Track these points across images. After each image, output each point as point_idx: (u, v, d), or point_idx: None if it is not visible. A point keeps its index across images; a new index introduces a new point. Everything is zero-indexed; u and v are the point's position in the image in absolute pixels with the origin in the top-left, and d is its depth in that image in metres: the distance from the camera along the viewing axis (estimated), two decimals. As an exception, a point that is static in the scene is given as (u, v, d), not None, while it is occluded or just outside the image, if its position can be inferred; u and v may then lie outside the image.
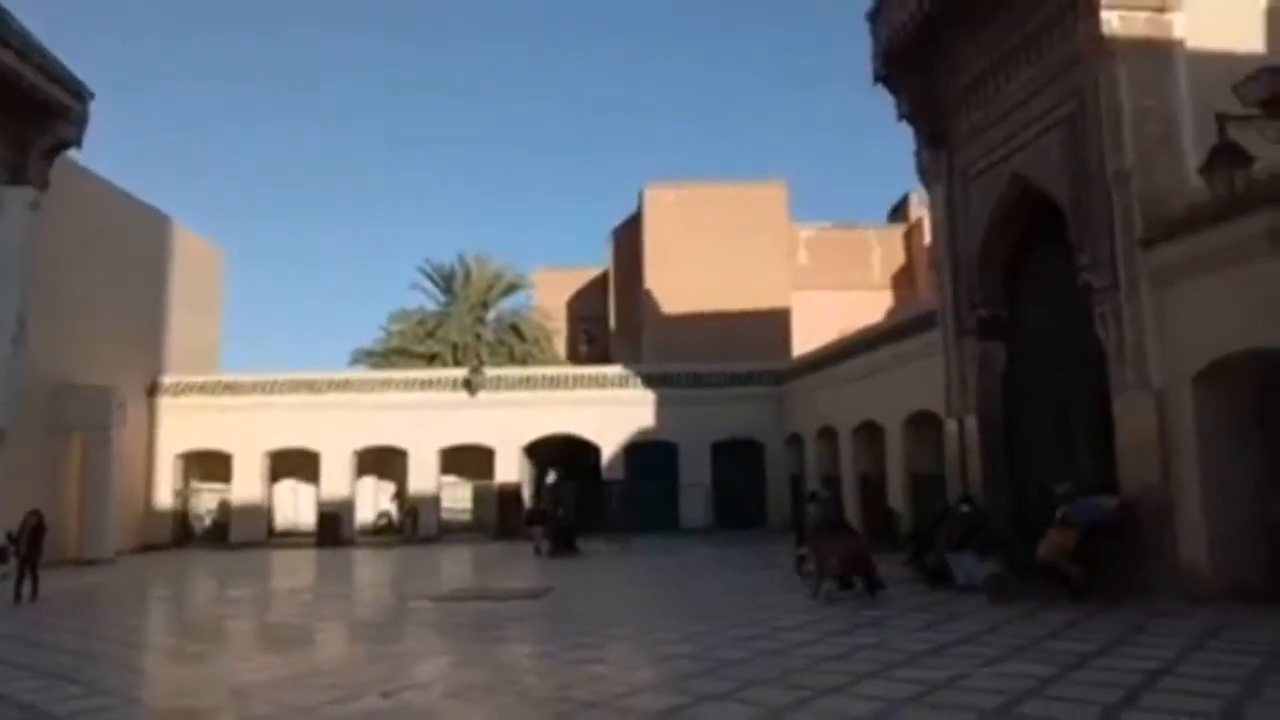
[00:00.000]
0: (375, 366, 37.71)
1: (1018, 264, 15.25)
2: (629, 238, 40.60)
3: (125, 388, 25.24)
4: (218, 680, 8.67)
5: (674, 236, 37.15)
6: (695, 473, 28.20)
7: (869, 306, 35.41)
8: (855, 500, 21.32)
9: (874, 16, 16.77)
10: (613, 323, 42.56)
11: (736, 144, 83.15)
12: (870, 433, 21.16)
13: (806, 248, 39.54)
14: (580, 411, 28.54)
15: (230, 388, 28.99)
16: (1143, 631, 9.08)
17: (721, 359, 30.15)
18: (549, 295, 45.24)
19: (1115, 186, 11.96)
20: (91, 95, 21.60)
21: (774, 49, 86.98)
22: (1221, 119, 9.46)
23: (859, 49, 17.42)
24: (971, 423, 15.60)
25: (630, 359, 34.89)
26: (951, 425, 16.12)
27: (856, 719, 6.19)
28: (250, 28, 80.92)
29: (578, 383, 29.77)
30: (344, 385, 29.50)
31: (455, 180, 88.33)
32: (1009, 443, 15.21)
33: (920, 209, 38.79)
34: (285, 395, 28.63)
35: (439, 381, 29.70)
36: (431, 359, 38.32)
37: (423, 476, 28.43)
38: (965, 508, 13.65)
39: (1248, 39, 11.61)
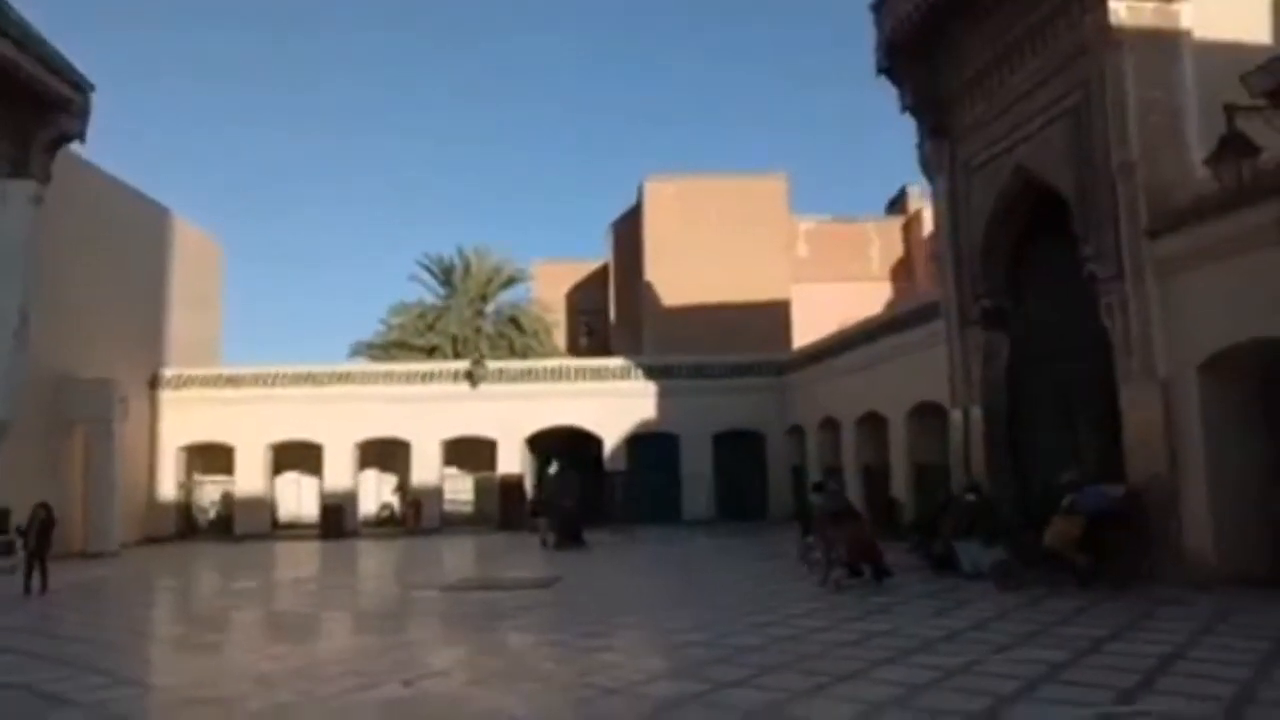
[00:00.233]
0: (375, 359, 37.71)
1: (1021, 255, 15.32)
2: (629, 230, 40.62)
3: (127, 381, 25.24)
4: (238, 669, 8.76)
5: (674, 229, 37.18)
6: (697, 464, 28.29)
7: (868, 298, 35.50)
8: (859, 491, 21.39)
9: (878, 7, 16.78)
10: (613, 315, 42.61)
11: (735, 137, 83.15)
12: (873, 424, 21.25)
13: (806, 240, 39.59)
14: (582, 403, 28.60)
15: (232, 380, 28.99)
16: (1151, 618, 9.19)
17: (722, 351, 30.22)
18: (548, 288, 45.25)
19: (1120, 177, 12.03)
20: (93, 87, 21.51)
21: (774, 43, 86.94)
22: (1229, 109, 9.55)
23: (859, 42, 17.47)
24: (975, 413, 15.69)
25: (630, 351, 34.93)
26: (955, 415, 16.21)
27: (877, 703, 6.28)
28: (248, 24, 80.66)
29: (579, 375, 29.82)
30: (346, 378, 29.51)
31: (454, 175, 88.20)
32: (1012, 433, 15.31)
33: (918, 201, 38.93)
34: (287, 388, 28.64)
35: (441, 374, 29.72)
36: (431, 352, 38.34)
37: (425, 468, 28.48)
38: (972, 496, 13.75)
39: (1254, 30, 11.70)
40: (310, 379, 28.96)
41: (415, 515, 28.11)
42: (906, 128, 17.35)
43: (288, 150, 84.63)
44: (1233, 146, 9.41)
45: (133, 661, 9.65)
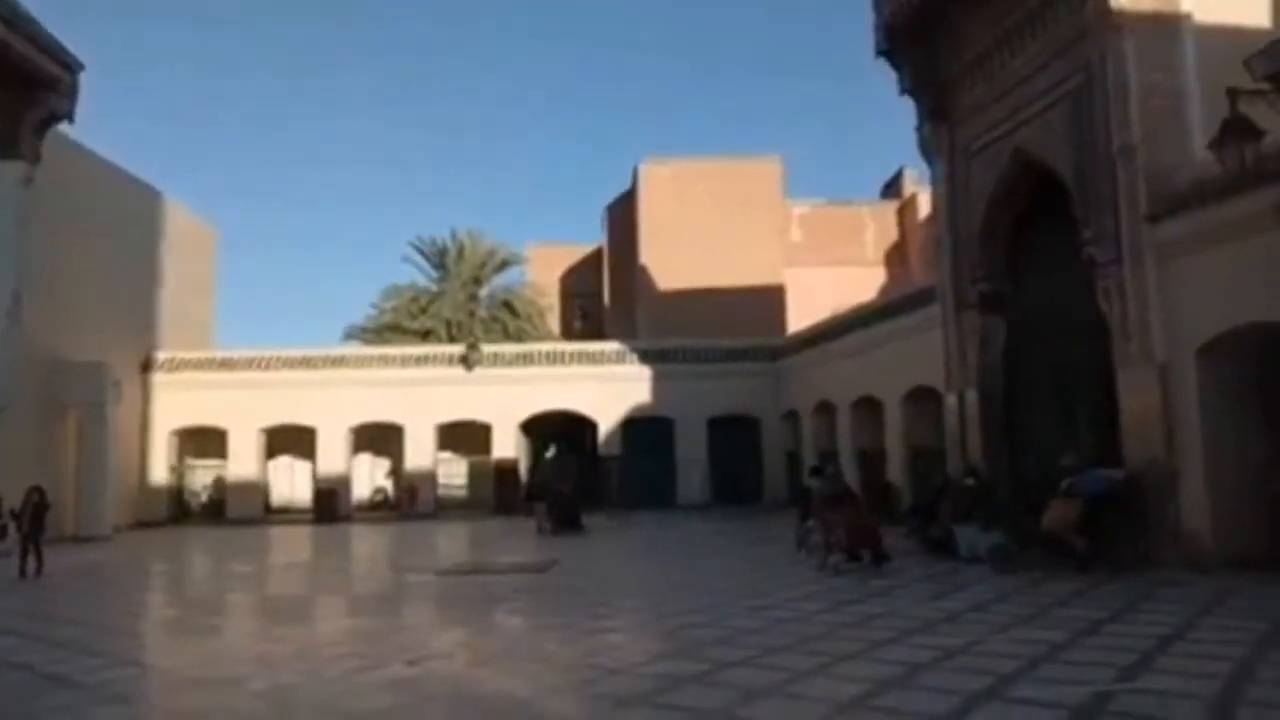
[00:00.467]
0: (368, 343, 37.58)
1: (1019, 238, 15.32)
2: (623, 214, 40.50)
3: (119, 364, 25.11)
4: (238, 651, 8.76)
5: (668, 212, 37.08)
6: (692, 448, 28.31)
7: (862, 283, 35.55)
8: (854, 474, 21.44)
9: (877, -10, 16.71)
10: (607, 299, 42.53)
11: (730, 121, 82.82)
12: (869, 408, 21.29)
13: (800, 224, 39.54)
14: (577, 387, 28.57)
15: (225, 364, 28.85)
16: (1150, 600, 9.25)
17: (715, 335, 30.21)
18: (542, 271, 45.12)
19: (1121, 161, 12.03)
20: (82, 66, 21.30)
21: (768, 27, 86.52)
22: (1233, 93, 9.52)
23: (856, 25, 17.39)
24: (971, 396, 15.73)
25: (624, 335, 34.89)
26: (951, 399, 16.26)
27: (881, 681, 6.30)
28: (243, 11, 79.86)
29: (574, 359, 29.77)
30: (340, 361, 29.40)
31: (448, 160, 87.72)
32: (1008, 416, 15.36)
33: (914, 185, 38.90)
34: (281, 371, 28.52)
35: (435, 358, 29.64)
36: (425, 335, 38.25)
37: (419, 453, 28.44)
38: (970, 480, 13.79)
39: (1255, 13, 11.68)
40: (304, 362, 28.84)
41: (410, 499, 28.09)
42: (903, 110, 17.34)
43: (281, 136, 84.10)
44: (1235, 130, 9.39)
45: (131, 644, 9.63)
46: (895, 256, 39.76)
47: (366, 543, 21.17)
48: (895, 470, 19.80)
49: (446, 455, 29.88)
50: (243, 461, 27.97)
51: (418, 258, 42.87)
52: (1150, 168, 11.71)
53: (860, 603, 9.76)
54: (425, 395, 28.08)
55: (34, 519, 15.21)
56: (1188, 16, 11.85)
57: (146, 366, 27.87)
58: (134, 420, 26.73)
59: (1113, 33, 12.06)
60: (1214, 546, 10.65)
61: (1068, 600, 9.38)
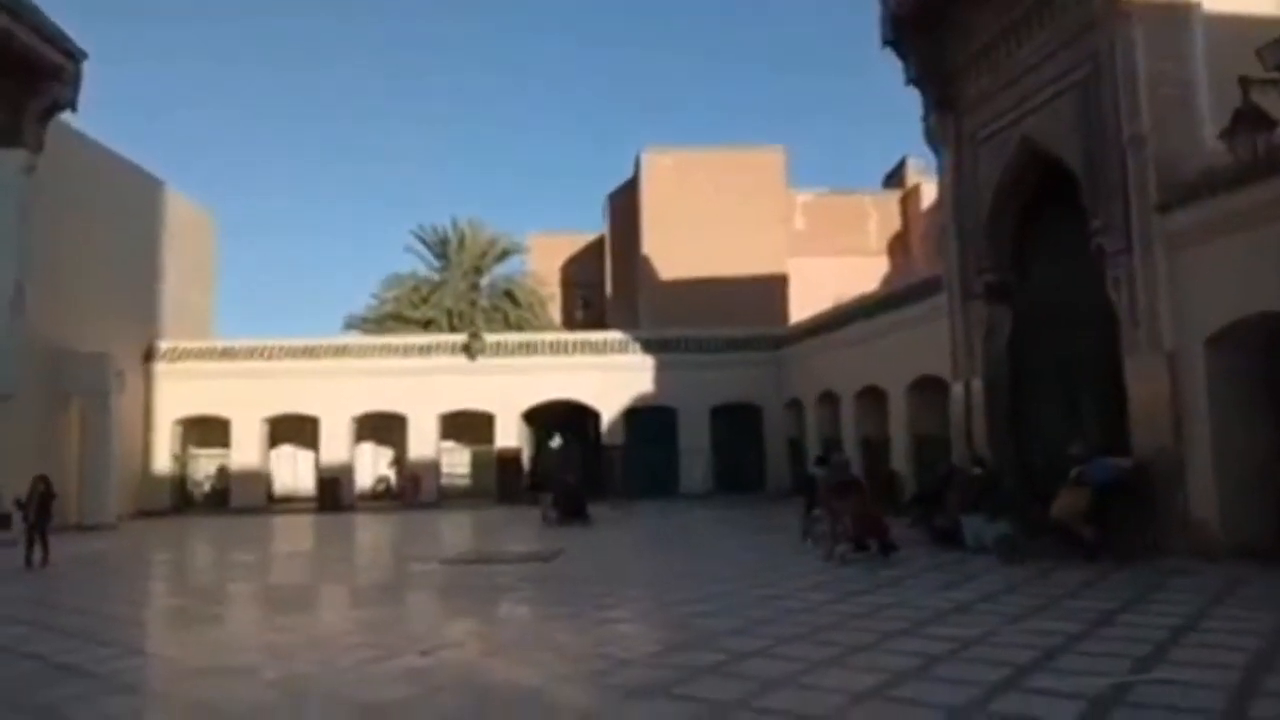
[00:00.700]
0: (369, 333, 37.55)
1: (1025, 228, 15.27)
2: (626, 203, 40.40)
3: (122, 354, 25.08)
4: (248, 640, 8.77)
5: (671, 201, 36.99)
6: (694, 438, 28.32)
7: (865, 272, 35.52)
8: (858, 463, 21.45)
9: (884, -22, 16.61)
10: (609, 288, 42.47)
11: (733, 110, 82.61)
12: (873, 397, 21.28)
13: (803, 213, 39.46)
14: (580, 377, 28.54)
15: (227, 353, 28.83)
16: (1160, 589, 9.25)
17: (718, 324, 30.17)
18: (543, 261, 45.05)
19: (1130, 150, 11.98)
20: (85, 55, 21.22)
21: (773, 16, 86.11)
22: (1244, 83, 9.49)
23: (856, 16, 17.31)
24: (977, 386, 15.71)
25: (627, 324, 34.86)
26: (957, 389, 16.24)
27: (897, 672, 6.30)
28: (245, 3, 79.44)
29: (577, 348, 29.74)
30: (343, 351, 29.38)
31: (450, 149, 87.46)
32: (1014, 406, 15.35)
33: (917, 175, 38.82)
34: (283, 361, 28.49)
35: (438, 347, 29.61)
36: (427, 325, 38.22)
37: (422, 442, 28.43)
38: (977, 470, 13.78)
39: (1264, 2, 11.58)
40: (307, 352, 28.83)
41: (413, 489, 28.11)
42: (909, 99, 17.26)
43: (282, 126, 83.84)
44: (1247, 120, 9.38)
45: (140, 633, 9.65)
46: (898, 246, 39.71)
47: (370, 532, 21.18)
48: (899, 458, 19.80)
49: (449, 444, 29.86)
50: (246, 451, 27.96)
51: (419, 247, 42.87)
52: (1160, 157, 11.65)
53: (870, 593, 9.76)
54: (428, 385, 28.07)
55: (40, 508, 15.22)
56: (1197, 5, 11.78)
57: (149, 356, 27.84)
58: (137, 410, 26.72)
59: (1121, 21, 12.00)
60: (1222, 535, 10.65)
61: (1078, 591, 9.37)
